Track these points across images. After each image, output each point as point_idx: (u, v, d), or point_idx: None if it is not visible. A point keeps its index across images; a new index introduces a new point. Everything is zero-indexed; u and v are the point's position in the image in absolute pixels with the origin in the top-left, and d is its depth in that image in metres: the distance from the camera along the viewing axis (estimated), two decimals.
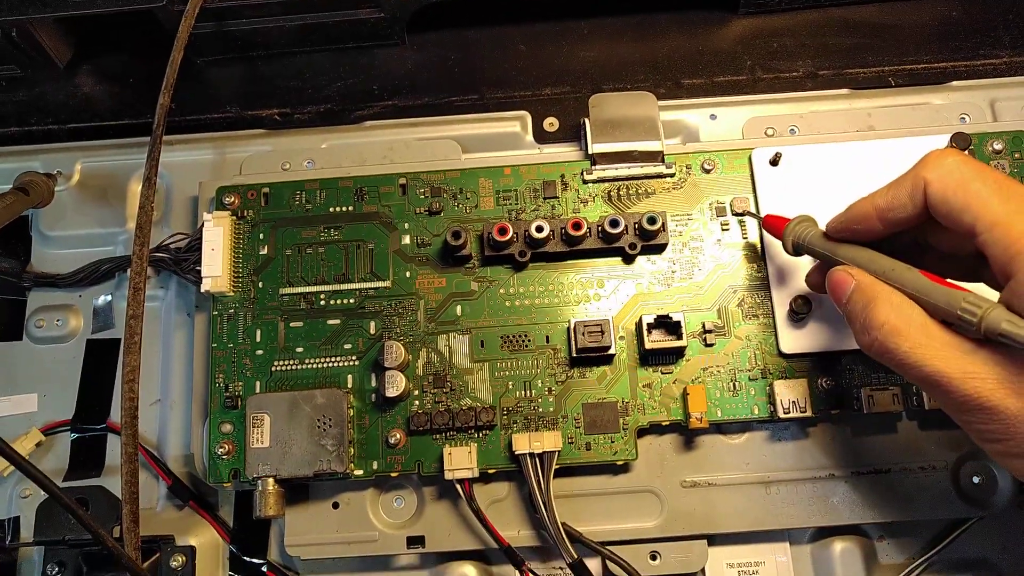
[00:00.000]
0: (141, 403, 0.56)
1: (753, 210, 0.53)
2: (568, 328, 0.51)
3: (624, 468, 0.51)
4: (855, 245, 0.44)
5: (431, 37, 0.62)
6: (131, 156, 0.60)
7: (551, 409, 0.51)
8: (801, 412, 0.49)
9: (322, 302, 0.53)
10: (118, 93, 0.63)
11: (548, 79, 0.61)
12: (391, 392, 0.50)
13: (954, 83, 0.59)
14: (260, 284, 0.54)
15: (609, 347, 0.50)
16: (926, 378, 0.38)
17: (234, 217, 0.54)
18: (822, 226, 0.46)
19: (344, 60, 0.62)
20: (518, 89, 0.61)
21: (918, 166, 0.41)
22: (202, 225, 0.54)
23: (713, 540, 0.51)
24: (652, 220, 0.51)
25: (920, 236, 0.44)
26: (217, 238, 0.53)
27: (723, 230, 0.53)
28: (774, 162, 0.54)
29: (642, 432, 0.51)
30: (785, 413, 0.49)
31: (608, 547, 0.50)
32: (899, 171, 0.53)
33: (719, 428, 0.52)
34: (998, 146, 0.54)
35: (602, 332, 0.50)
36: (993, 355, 0.37)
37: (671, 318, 0.50)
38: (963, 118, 0.57)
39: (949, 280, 0.40)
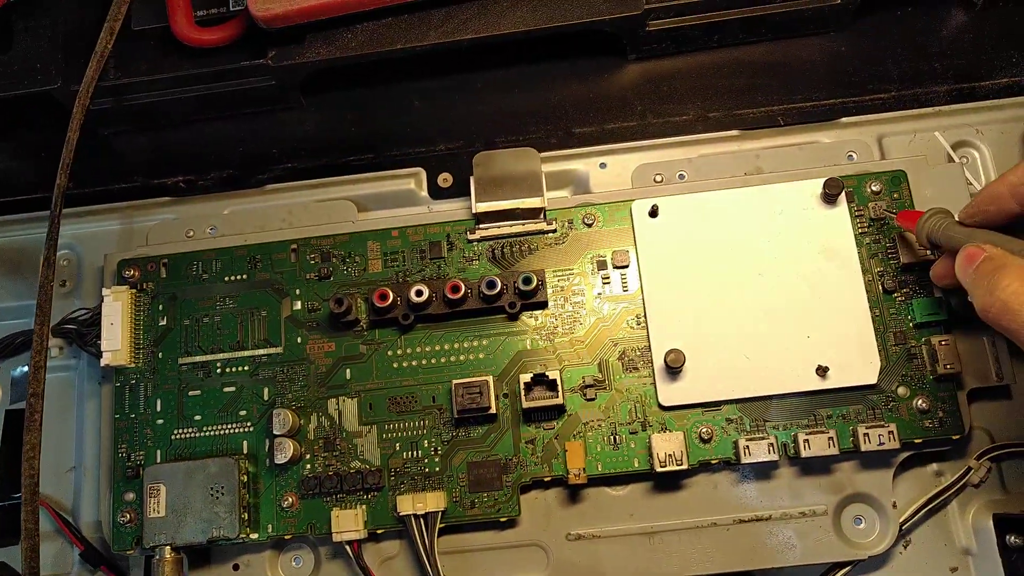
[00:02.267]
0: (57, 469, 0.58)
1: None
2: (450, 389, 0.52)
3: (510, 523, 0.53)
4: (990, 231, 0.44)
5: (328, 98, 0.63)
6: (42, 230, 0.62)
7: (437, 469, 0.52)
8: (678, 465, 0.50)
9: (219, 370, 0.55)
10: (31, 167, 0.65)
11: (442, 134, 0.62)
12: (280, 459, 0.52)
13: (843, 120, 0.59)
14: (160, 355, 0.56)
15: (488, 408, 0.51)
16: None
17: (133, 291, 0.56)
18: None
19: (244, 125, 0.63)
20: (413, 146, 0.62)
21: None
22: (102, 300, 0.56)
23: None
24: (528, 280, 0.52)
25: None
26: (116, 312, 0.55)
27: (604, 283, 0.54)
28: (653, 214, 0.55)
29: (526, 488, 0.52)
30: (662, 466, 0.50)
31: None
32: (778, 217, 0.54)
33: (603, 480, 0.53)
34: (876, 187, 0.54)
35: (480, 393, 0.51)
36: None
37: (547, 376, 0.51)
38: (850, 155, 0.57)
39: None
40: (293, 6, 0.55)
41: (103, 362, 0.54)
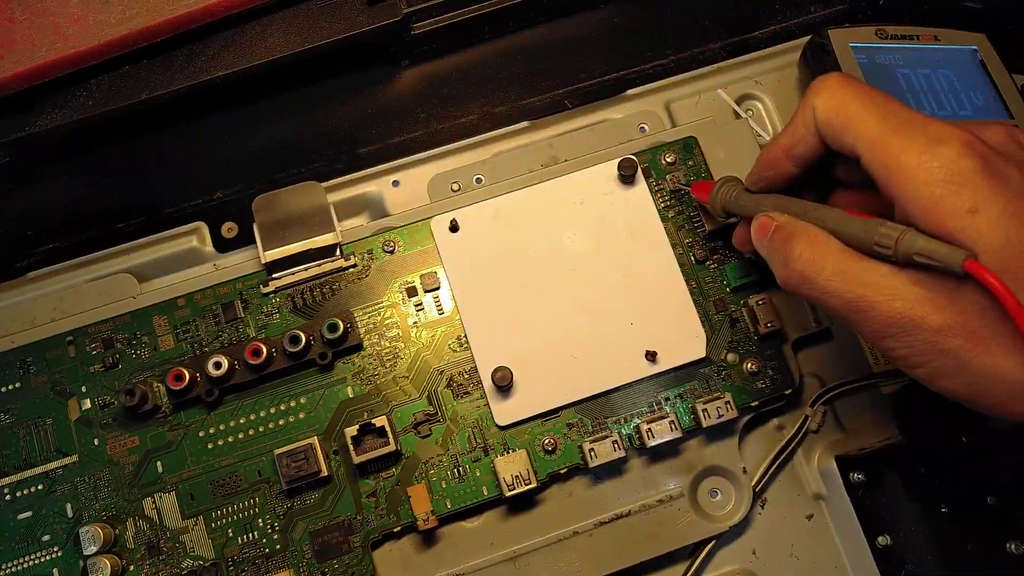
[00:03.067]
0: None
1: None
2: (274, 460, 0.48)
3: None
4: (776, 194, 0.43)
5: (82, 162, 0.57)
6: None
7: (278, 547, 0.48)
8: (526, 484, 0.48)
9: (7, 496, 0.49)
10: None
11: (218, 181, 0.57)
12: None
13: (628, 92, 0.58)
14: None
15: (319, 471, 0.47)
16: (848, 304, 0.37)
17: None
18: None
19: None
20: (188, 199, 0.56)
21: (808, 92, 0.40)
22: None
23: None
24: (333, 327, 0.49)
25: (834, 172, 0.43)
26: None
27: (418, 311, 0.51)
28: (453, 228, 0.52)
29: (378, 543, 0.49)
30: (511, 490, 0.48)
31: None
32: (579, 207, 0.52)
33: (456, 515, 0.50)
34: (670, 159, 0.53)
35: (306, 458, 0.47)
36: (912, 275, 0.36)
37: (373, 424, 0.48)
38: (642, 128, 0.56)
39: (868, 214, 0.38)
40: (5, 73, 0.49)
41: None
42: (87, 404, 0.50)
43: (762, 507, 0.53)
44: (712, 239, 0.52)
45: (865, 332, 0.38)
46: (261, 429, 0.49)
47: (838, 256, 0.38)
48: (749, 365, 0.51)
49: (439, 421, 0.50)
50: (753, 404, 0.51)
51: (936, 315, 0.35)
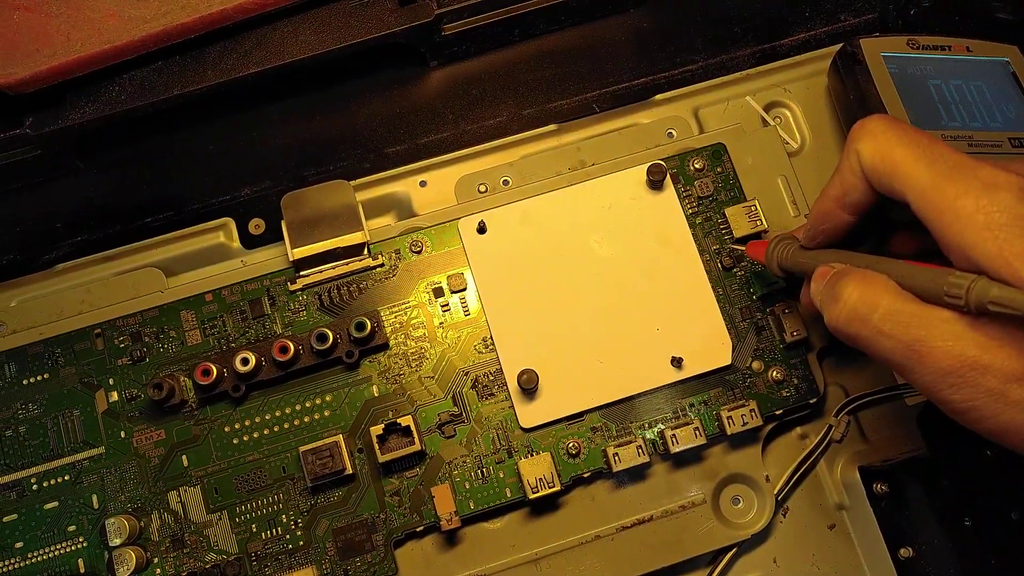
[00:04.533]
0: None
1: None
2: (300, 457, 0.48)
3: None
4: (833, 249, 0.42)
5: (108, 157, 0.57)
6: None
7: (301, 543, 0.48)
8: (549, 487, 0.48)
9: (34, 487, 0.49)
10: None
11: (246, 177, 0.57)
12: (123, 572, 0.47)
13: (656, 97, 0.58)
14: None
15: (343, 469, 0.48)
16: (905, 347, 0.35)
17: None
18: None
19: (17, 202, 0.56)
20: (216, 195, 0.56)
21: (850, 138, 0.39)
22: None
23: None
24: (360, 326, 0.49)
25: (890, 214, 0.41)
26: None
27: (444, 311, 0.51)
28: (481, 230, 0.52)
29: (400, 542, 0.49)
30: (534, 492, 0.48)
31: None
32: (607, 211, 0.52)
33: (479, 516, 0.50)
34: (699, 164, 0.53)
35: (331, 456, 0.48)
36: (974, 319, 0.34)
37: (399, 424, 0.48)
38: (670, 133, 0.56)
39: (933, 264, 0.36)
40: (40, 67, 0.49)
41: None
42: (114, 396, 0.50)
43: (784, 516, 0.53)
44: (740, 245, 0.52)
45: (921, 380, 0.35)
46: (286, 426, 0.50)
47: (894, 296, 0.36)
48: (774, 373, 0.51)
49: (463, 422, 0.50)
50: (777, 412, 0.50)
51: (1007, 362, 0.33)
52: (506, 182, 0.55)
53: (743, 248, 0.50)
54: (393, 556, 0.48)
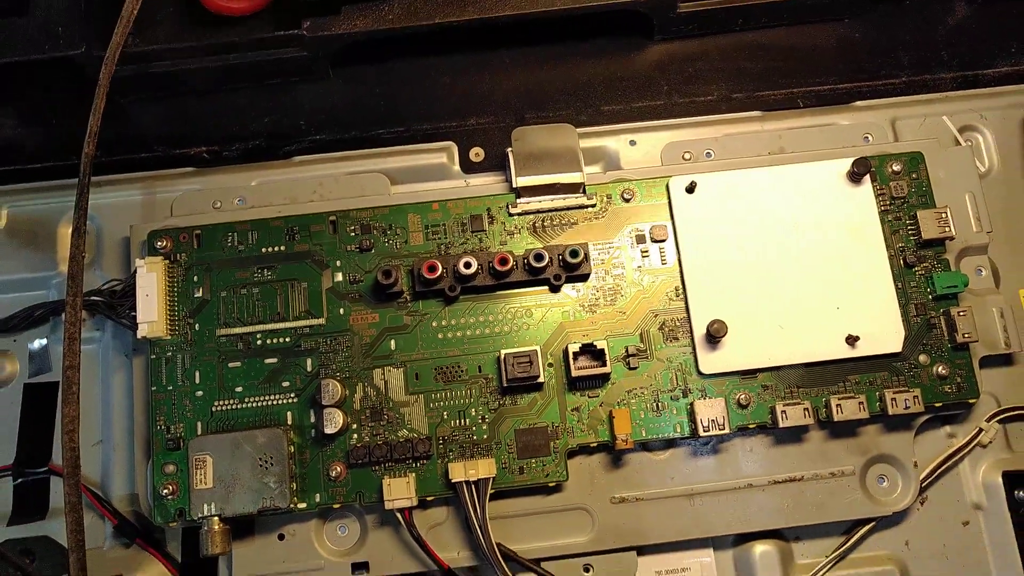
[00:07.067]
0: (83, 444, 0.56)
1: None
2: (498, 359, 0.53)
3: (556, 488, 0.54)
4: None
5: (356, 71, 0.63)
6: (58, 199, 0.61)
7: (485, 436, 0.53)
8: (720, 429, 0.52)
9: (259, 342, 0.55)
10: (41, 135, 0.62)
11: (472, 109, 0.62)
12: (330, 429, 0.52)
13: (857, 103, 0.62)
14: (196, 327, 0.55)
15: (538, 376, 0.52)
16: None
17: (167, 261, 0.55)
18: None
19: (270, 96, 0.62)
20: (443, 120, 0.62)
21: None
22: (135, 271, 0.54)
23: (642, 551, 0.54)
24: (575, 253, 0.54)
25: None
26: (151, 284, 0.54)
27: (643, 256, 0.56)
28: (690, 190, 0.56)
29: (572, 453, 0.54)
30: (705, 431, 0.52)
31: (542, 563, 0.53)
32: (807, 194, 0.56)
33: (645, 446, 0.55)
34: (896, 168, 0.57)
35: (530, 363, 0.52)
36: None
37: (595, 346, 0.53)
38: (866, 137, 0.60)
39: None
40: None
41: (139, 334, 0.53)
42: (339, 277, 0.55)
43: (921, 504, 0.56)
44: (924, 247, 0.55)
45: None
46: (487, 331, 0.55)
47: None
48: (939, 369, 0.54)
49: (647, 358, 0.54)
50: (937, 405, 0.54)
51: None
52: (709, 154, 0.60)
53: None
54: (566, 464, 0.53)
